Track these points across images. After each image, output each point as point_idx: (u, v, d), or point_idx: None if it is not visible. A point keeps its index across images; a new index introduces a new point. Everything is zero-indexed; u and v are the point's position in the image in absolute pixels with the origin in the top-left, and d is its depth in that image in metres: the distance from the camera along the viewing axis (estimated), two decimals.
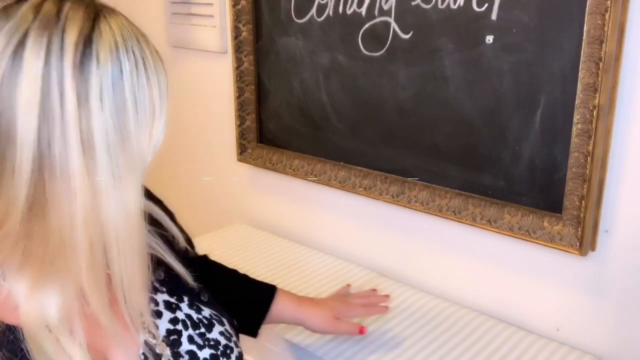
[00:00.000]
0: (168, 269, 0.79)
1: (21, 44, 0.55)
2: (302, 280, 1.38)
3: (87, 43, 0.58)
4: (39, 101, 0.55)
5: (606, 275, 1.11)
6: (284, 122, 1.53)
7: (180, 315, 0.79)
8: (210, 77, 1.73)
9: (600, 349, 1.14)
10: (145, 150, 0.61)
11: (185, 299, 0.80)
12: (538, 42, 1.06)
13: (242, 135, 1.62)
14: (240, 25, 1.53)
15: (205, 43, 1.68)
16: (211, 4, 1.62)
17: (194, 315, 0.80)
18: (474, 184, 1.21)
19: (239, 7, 1.51)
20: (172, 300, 0.79)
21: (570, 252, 1.10)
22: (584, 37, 1.00)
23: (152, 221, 0.79)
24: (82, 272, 0.60)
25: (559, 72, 1.05)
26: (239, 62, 1.56)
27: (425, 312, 1.26)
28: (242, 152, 1.63)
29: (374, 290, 1.21)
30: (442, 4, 1.16)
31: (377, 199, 1.37)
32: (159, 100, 0.62)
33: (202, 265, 0.94)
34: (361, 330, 1.08)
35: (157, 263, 0.77)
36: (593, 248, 1.10)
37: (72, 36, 0.57)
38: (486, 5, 1.11)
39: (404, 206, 1.32)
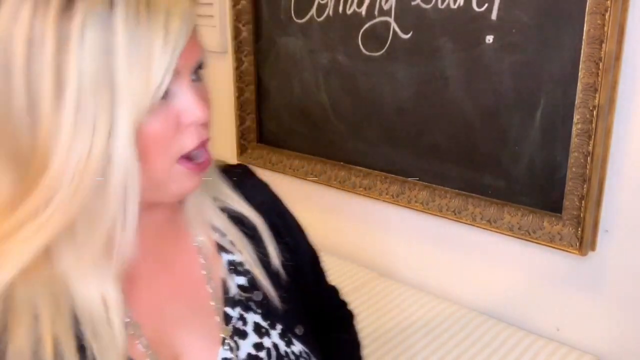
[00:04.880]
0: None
1: None
2: None
3: None
4: (25, 42, 0.54)
5: (606, 275, 1.11)
6: (284, 122, 1.53)
7: (267, 342, 0.72)
8: (210, 77, 1.72)
9: (600, 349, 1.14)
10: (140, 93, 0.57)
11: (279, 327, 0.73)
12: (538, 42, 1.06)
13: (242, 135, 1.62)
14: (240, 25, 1.53)
15: (205, 43, 1.67)
16: (211, 4, 1.62)
17: (282, 347, 0.72)
18: (474, 184, 1.21)
19: (239, 7, 1.51)
20: (264, 324, 0.72)
21: (570, 252, 1.09)
22: (584, 37, 1.00)
23: (252, 234, 0.75)
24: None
25: (559, 72, 1.05)
26: (239, 62, 1.56)
27: (425, 312, 1.26)
28: (242, 152, 1.63)
29: None
30: (442, 4, 1.16)
31: (377, 199, 1.37)
32: (163, 41, 0.58)
33: (309, 297, 0.86)
34: None
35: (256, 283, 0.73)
36: (593, 248, 1.10)
37: None
38: (486, 5, 1.11)
39: (404, 206, 1.32)
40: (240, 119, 1.60)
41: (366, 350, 1.13)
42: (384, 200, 1.36)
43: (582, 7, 1.00)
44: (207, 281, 0.71)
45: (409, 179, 1.31)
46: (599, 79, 0.99)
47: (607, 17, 0.97)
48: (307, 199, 1.57)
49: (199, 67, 0.66)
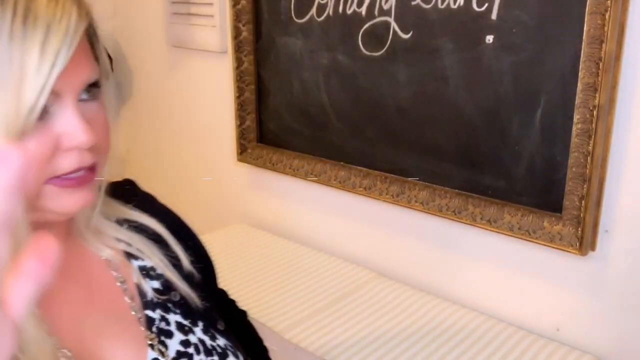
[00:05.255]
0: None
1: None
2: (302, 280, 1.38)
3: None
4: None
5: (606, 275, 1.11)
6: (284, 122, 1.53)
7: (192, 339, 0.73)
8: (210, 77, 1.72)
9: (599, 349, 1.14)
10: (11, 114, 0.53)
11: (200, 323, 0.75)
12: (538, 42, 1.06)
13: (242, 135, 1.62)
14: (240, 25, 1.53)
15: (205, 43, 1.68)
16: (211, 4, 1.62)
17: (208, 342, 0.74)
18: (474, 184, 1.21)
19: (239, 7, 1.51)
20: (186, 322, 0.74)
21: (570, 252, 1.09)
22: (584, 37, 1.00)
23: (158, 240, 0.75)
24: None
25: (559, 72, 1.05)
26: (239, 62, 1.56)
27: (425, 312, 1.26)
28: (242, 152, 1.63)
29: None
30: (442, 3, 1.16)
31: (377, 199, 1.37)
32: (39, 59, 0.54)
33: (220, 298, 0.90)
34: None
35: (171, 285, 0.74)
36: (593, 248, 1.10)
37: None
38: (486, 5, 1.11)
39: (404, 206, 1.32)
40: (240, 119, 1.60)
41: (365, 351, 1.13)
42: (384, 200, 1.36)
43: (582, 7, 1.00)
44: (124, 292, 0.71)
45: (409, 179, 1.31)
46: (599, 79, 0.99)
47: (607, 17, 0.97)
48: (307, 199, 1.57)
49: (94, 84, 0.60)
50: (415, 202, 1.30)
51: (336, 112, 1.40)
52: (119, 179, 0.82)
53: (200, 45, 1.69)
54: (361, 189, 1.39)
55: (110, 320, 0.69)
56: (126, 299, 0.71)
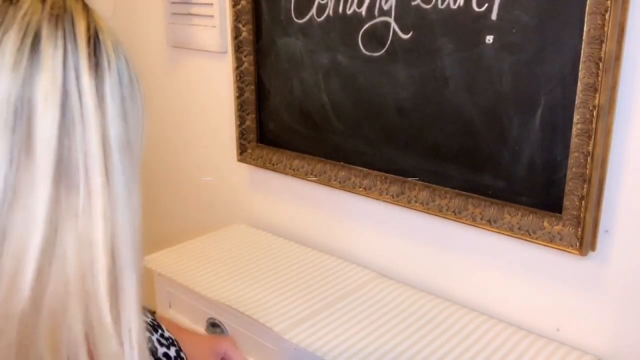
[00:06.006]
0: None
1: (37, 36, 0.48)
2: (302, 281, 1.38)
3: (96, 35, 0.51)
4: (60, 100, 0.48)
5: (606, 275, 1.11)
6: (284, 122, 1.53)
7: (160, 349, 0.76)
8: (210, 77, 1.72)
9: (600, 349, 1.14)
10: (140, 153, 0.56)
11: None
12: (538, 42, 1.06)
13: (242, 135, 1.62)
14: (240, 25, 1.53)
15: (205, 43, 1.68)
16: (211, 4, 1.62)
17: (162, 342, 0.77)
18: (474, 184, 1.21)
19: (239, 7, 1.51)
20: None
21: (570, 252, 1.10)
22: (584, 37, 1.00)
23: None
24: (100, 300, 0.51)
25: (559, 72, 1.05)
26: (239, 62, 1.56)
27: (425, 312, 1.26)
28: (242, 152, 1.63)
29: None
30: (442, 4, 1.16)
31: (377, 199, 1.37)
32: (143, 100, 0.57)
33: None
34: None
35: None
36: (593, 248, 1.10)
37: (81, 27, 0.50)
38: (486, 5, 1.11)
39: (404, 206, 1.32)
40: (240, 119, 1.60)
41: (365, 351, 1.13)
42: (384, 200, 1.36)
43: (582, 7, 1.00)
44: None
45: (409, 179, 1.31)
46: (599, 79, 0.99)
47: (607, 17, 0.97)
48: (307, 199, 1.57)
49: None
50: (415, 202, 1.30)
51: (336, 112, 1.40)
52: None
53: (200, 45, 1.69)
54: (361, 189, 1.39)
55: None
56: None
